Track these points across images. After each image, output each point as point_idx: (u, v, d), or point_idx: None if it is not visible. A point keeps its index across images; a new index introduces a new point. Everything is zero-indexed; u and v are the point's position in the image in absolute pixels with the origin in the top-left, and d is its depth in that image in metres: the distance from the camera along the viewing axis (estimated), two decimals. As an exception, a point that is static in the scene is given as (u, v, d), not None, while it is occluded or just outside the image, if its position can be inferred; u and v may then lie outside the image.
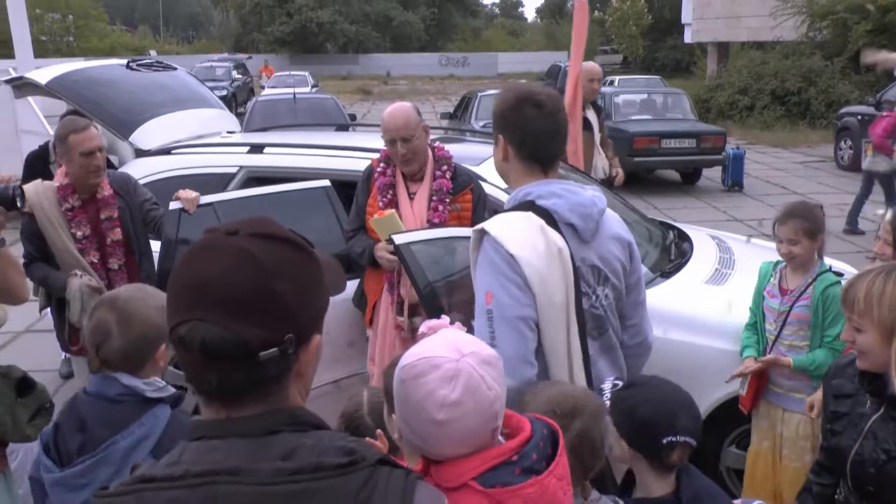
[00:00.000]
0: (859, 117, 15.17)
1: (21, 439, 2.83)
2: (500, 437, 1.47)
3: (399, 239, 3.15)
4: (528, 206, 2.39)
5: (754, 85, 23.42)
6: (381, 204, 3.76)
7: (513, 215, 2.38)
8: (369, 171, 3.92)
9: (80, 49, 46.94)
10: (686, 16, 32.18)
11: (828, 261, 3.60)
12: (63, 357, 5.93)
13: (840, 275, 3.43)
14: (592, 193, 2.47)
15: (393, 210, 3.68)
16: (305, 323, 1.18)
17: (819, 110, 21.91)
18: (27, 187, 3.80)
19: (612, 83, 23.11)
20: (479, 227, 2.39)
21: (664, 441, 2.07)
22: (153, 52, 45.10)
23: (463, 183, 3.84)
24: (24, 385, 2.83)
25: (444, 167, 3.83)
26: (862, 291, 2.15)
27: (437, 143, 3.99)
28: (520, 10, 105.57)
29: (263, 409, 1.16)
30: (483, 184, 4.07)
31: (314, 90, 24.26)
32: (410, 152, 3.70)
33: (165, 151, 5.00)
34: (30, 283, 3.39)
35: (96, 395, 2.17)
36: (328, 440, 1.17)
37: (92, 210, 4.00)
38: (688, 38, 32.88)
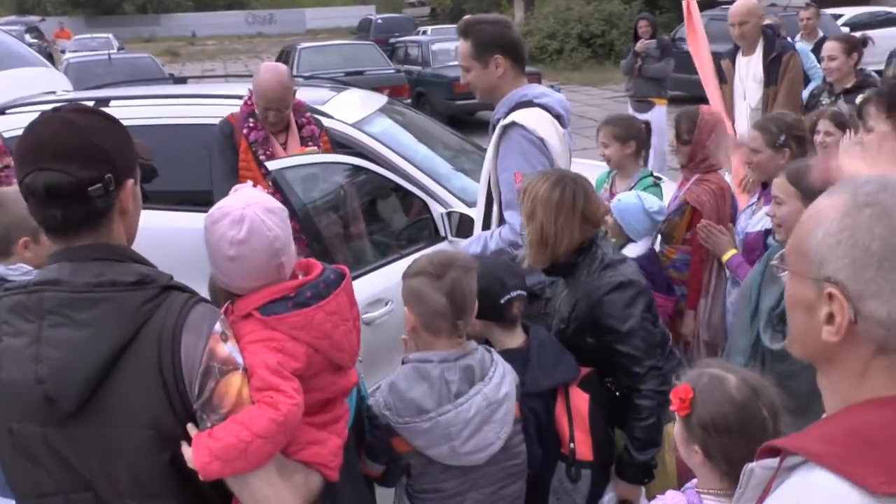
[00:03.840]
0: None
1: None
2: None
3: (273, 165, 3.36)
4: (526, 104, 2.99)
5: (561, 30, 24.59)
6: (263, 157, 3.76)
7: (530, 111, 2.96)
8: (230, 129, 3.90)
9: None
10: (490, -35, 32.99)
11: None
12: None
13: (660, 178, 4.05)
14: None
15: (314, 147, 3.81)
16: (119, 168, 1.55)
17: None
18: None
19: (424, 33, 23.60)
20: (507, 121, 2.93)
21: (501, 301, 2.49)
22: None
23: (319, 127, 4.04)
24: None
25: (307, 113, 4.01)
26: (523, 185, 2.73)
27: None
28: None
29: (91, 241, 1.55)
30: (331, 120, 4.40)
31: (121, 52, 23.13)
32: (282, 121, 3.82)
33: None
34: None
35: None
36: (134, 267, 1.57)
37: None
38: (494, -14, 33.75)
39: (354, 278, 3.49)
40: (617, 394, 2.63)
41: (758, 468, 1.18)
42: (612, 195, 4.03)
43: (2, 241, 2.53)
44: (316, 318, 1.71)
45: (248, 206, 1.71)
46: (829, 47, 5.38)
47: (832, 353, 1.11)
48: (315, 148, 3.85)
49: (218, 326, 1.58)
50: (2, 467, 1.65)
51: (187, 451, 1.52)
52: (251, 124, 3.85)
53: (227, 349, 1.57)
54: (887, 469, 0.99)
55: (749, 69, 5.59)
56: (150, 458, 1.53)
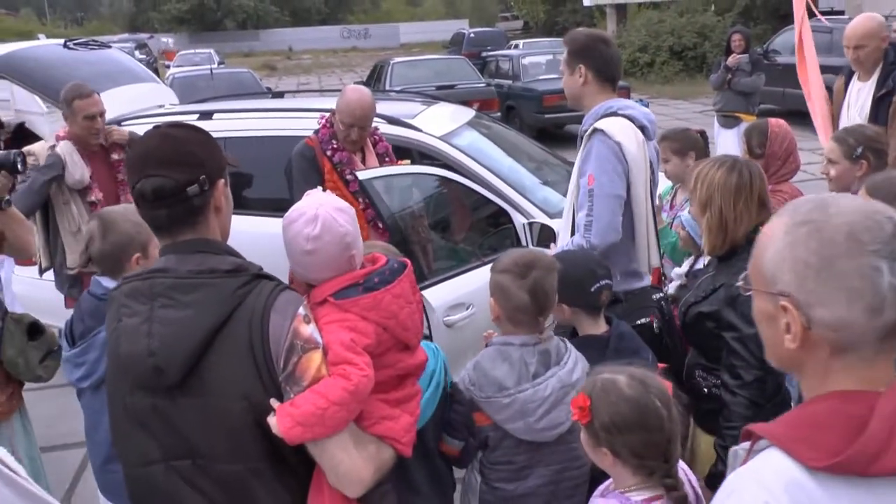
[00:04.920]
0: (750, 67, 16.07)
1: (33, 379, 3.14)
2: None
3: (363, 175, 3.58)
4: (612, 115, 3.12)
5: (653, 42, 24.44)
6: (349, 177, 3.94)
7: (614, 119, 3.10)
8: (311, 153, 4.05)
9: (-38, 36, 44.91)
10: (584, -21, 32.88)
11: None
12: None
13: None
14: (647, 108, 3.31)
15: (407, 160, 4.05)
16: (210, 170, 1.79)
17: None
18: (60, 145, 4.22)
19: (516, 46, 23.79)
20: (591, 127, 3.10)
21: (592, 290, 2.67)
22: (42, 36, 43.46)
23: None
24: (34, 329, 3.15)
25: (378, 131, 4.22)
26: (694, 174, 2.78)
27: None
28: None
29: (192, 236, 1.80)
30: (418, 133, 4.66)
31: (222, 67, 24.07)
32: (363, 139, 4.04)
33: (116, 123, 5.27)
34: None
35: (91, 294, 2.75)
36: (229, 258, 1.81)
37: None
38: (587, 0, 33.66)
39: (438, 283, 3.78)
40: (705, 391, 2.70)
41: (739, 450, 1.35)
42: (671, 208, 4.10)
43: (112, 260, 2.69)
44: (384, 299, 1.91)
45: (320, 206, 1.94)
46: None
47: (797, 360, 1.25)
48: (408, 161, 4.05)
49: (301, 310, 1.79)
50: (115, 440, 1.88)
51: (272, 420, 1.72)
52: (335, 146, 4.02)
53: (309, 330, 1.78)
54: (825, 447, 1.13)
55: (859, 98, 4.84)
56: (243, 426, 1.74)
